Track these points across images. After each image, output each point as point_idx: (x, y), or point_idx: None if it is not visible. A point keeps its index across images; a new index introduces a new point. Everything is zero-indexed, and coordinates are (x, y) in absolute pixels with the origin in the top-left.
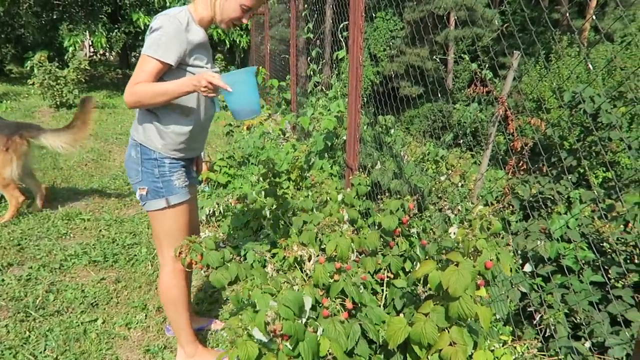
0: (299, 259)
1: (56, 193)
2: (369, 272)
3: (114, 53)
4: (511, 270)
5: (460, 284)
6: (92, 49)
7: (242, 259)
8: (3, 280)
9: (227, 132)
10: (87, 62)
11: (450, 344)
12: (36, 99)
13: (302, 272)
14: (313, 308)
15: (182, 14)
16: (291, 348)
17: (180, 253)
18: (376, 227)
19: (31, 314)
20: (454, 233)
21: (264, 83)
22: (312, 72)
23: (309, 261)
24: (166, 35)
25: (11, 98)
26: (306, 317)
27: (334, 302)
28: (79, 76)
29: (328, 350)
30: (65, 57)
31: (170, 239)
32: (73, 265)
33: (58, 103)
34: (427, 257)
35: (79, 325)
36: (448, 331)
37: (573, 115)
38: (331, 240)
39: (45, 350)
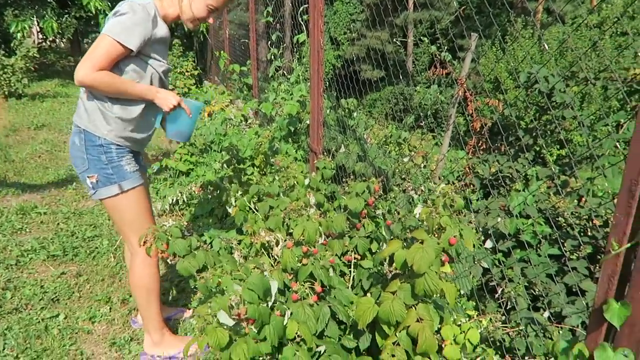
0: (266, 245)
1: (8, 187)
2: (336, 254)
3: (64, 40)
4: (474, 246)
5: (425, 261)
6: (40, 36)
7: (208, 247)
8: None
9: None
10: (36, 50)
11: (418, 321)
12: None
13: (270, 258)
14: (282, 292)
15: (150, 5)
16: (257, 331)
17: (144, 242)
18: (342, 210)
19: None
20: (419, 213)
21: (224, 68)
22: (272, 57)
23: (277, 246)
24: (132, 20)
25: None
26: (272, 300)
27: (303, 285)
28: (27, 64)
29: (296, 333)
30: (12, 45)
31: (134, 226)
32: (30, 261)
33: (6, 93)
34: (392, 237)
35: (39, 321)
36: (415, 308)
37: (529, 95)
38: (298, 224)
39: (4, 349)
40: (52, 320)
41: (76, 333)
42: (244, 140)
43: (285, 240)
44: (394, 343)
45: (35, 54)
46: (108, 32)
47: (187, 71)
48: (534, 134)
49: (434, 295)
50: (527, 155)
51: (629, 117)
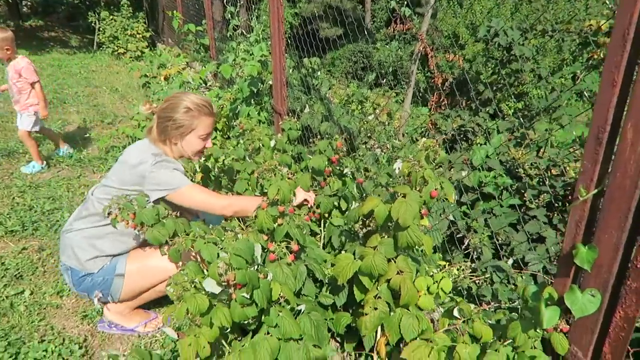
0: None
1: None
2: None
3: (1, 3)
4: (445, 200)
5: (410, 214)
6: None
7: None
8: None
9: (144, 84)
10: None
11: (398, 273)
12: None
13: (240, 222)
14: None
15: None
16: (248, 296)
17: (109, 214)
18: (309, 170)
19: None
20: (399, 168)
21: (179, 29)
22: (230, 15)
23: None
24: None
25: None
26: (257, 264)
27: (279, 246)
28: None
29: (280, 294)
30: None
31: (149, 274)
32: None
33: None
34: (364, 195)
35: (3, 299)
36: (395, 261)
37: (488, 49)
38: (272, 184)
39: None
40: (17, 297)
41: (44, 308)
42: None
43: None
44: (374, 297)
45: None
46: (177, 185)
47: (138, 33)
48: (494, 88)
49: (415, 248)
50: (487, 110)
51: (584, 68)
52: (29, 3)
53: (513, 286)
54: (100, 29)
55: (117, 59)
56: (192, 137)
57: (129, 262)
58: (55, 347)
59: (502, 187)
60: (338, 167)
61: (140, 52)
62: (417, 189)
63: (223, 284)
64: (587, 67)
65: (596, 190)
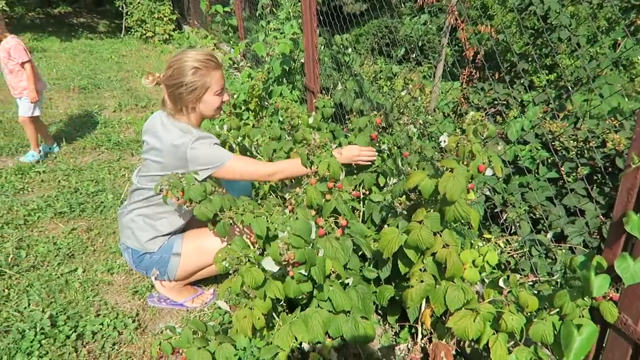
0: (274, 187)
1: (1, 148)
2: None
3: None
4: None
5: (457, 188)
6: None
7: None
8: None
9: None
10: (4, 3)
11: (444, 247)
12: None
13: (278, 198)
14: None
15: (193, 129)
16: (305, 274)
17: (160, 191)
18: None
19: (5, 272)
20: (445, 141)
21: (206, 11)
22: None
23: (286, 186)
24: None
25: None
26: (312, 242)
27: (327, 221)
28: None
29: (331, 269)
30: None
31: (205, 254)
32: (39, 219)
33: None
34: (406, 169)
35: (58, 277)
36: (440, 235)
37: (525, 18)
38: (322, 160)
39: (29, 305)
40: (72, 275)
41: (97, 285)
42: (236, 84)
43: (292, 181)
44: (420, 270)
45: (4, 7)
46: (225, 160)
47: (165, 16)
48: (529, 59)
49: (462, 222)
50: (523, 81)
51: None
52: None
53: (552, 260)
54: (128, 13)
55: (145, 42)
56: (208, 95)
57: (186, 242)
58: (110, 320)
59: (538, 161)
60: (377, 144)
61: (168, 35)
62: (464, 162)
63: (283, 263)
64: (629, 34)
65: None
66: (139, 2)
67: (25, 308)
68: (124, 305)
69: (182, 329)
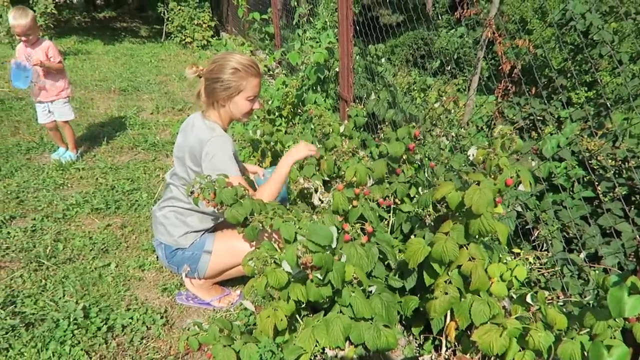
0: (304, 192)
1: (45, 145)
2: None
3: None
4: (530, 185)
5: (483, 202)
6: None
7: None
8: (9, 233)
9: None
10: (53, 6)
11: (470, 260)
12: (4, 49)
13: (308, 205)
14: None
15: (219, 128)
16: (321, 278)
17: (191, 193)
18: (378, 156)
19: (43, 263)
20: (473, 154)
21: (244, 17)
22: (296, 3)
23: (316, 193)
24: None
25: None
26: (333, 247)
27: (353, 227)
28: (46, 22)
29: (353, 275)
30: (32, 1)
31: (235, 254)
32: (76, 214)
33: None
34: (434, 180)
35: (92, 270)
36: (467, 248)
37: (565, 34)
38: (350, 166)
39: (64, 295)
40: (105, 269)
41: (129, 280)
42: (271, 91)
43: (322, 187)
44: (445, 282)
45: (53, 10)
46: (232, 173)
47: (204, 23)
48: (568, 75)
49: (488, 235)
50: (560, 97)
51: None
52: None
53: (584, 281)
54: (169, 19)
55: (184, 48)
56: (240, 98)
57: (217, 241)
58: (140, 315)
59: (573, 179)
60: (412, 155)
61: (206, 41)
62: (492, 176)
63: (301, 266)
64: None
65: None
66: (180, 9)
67: (60, 298)
68: (153, 301)
69: (209, 326)
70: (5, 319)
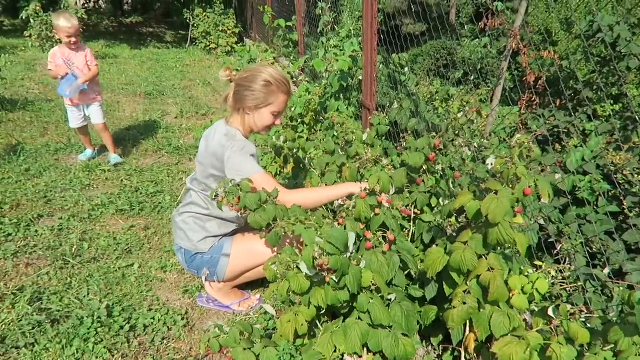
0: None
1: (72, 146)
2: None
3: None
4: (549, 196)
5: (500, 211)
6: None
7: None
8: (37, 231)
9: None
10: (84, 11)
11: (489, 270)
12: (35, 52)
13: (328, 211)
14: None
15: (239, 135)
16: (337, 281)
17: (215, 196)
18: (399, 165)
19: (69, 261)
20: (491, 164)
21: (269, 25)
22: (320, 11)
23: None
24: (247, 151)
25: (8, 52)
26: (350, 252)
27: (375, 235)
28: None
29: (372, 282)
30: (62, 6)
31: (253, 256)
32: (101, 215)
33: None
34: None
35: (116, 270)
36: (486, 258)
37: (591, 46)
38: (373, 174)
39: (88, 294)
40: (128, 269)
41: (151, 281)
42: (294, 98)
43: None
44: (464, 292)
45: (83, 15)
46: (249, 173)
47: (229, 29)
48: (594, 87)
49: (506, 246)
50: (586, 110)
51: None
52: (130, 1)
53: (608, 297)
54: (194, 25)
55: (208, 53)
56: (266, 111)
57: (235, 244)
58: (161, 316)
59: (598, 193)
60: (433, 165)
61: (231, 47)
62: (510, 185)
63: (317, 268)
64: None
65: None
66: (205, 15)
67: (84, 297)
68: (175, 302)
69: (230, 328)
70: (32, 315)
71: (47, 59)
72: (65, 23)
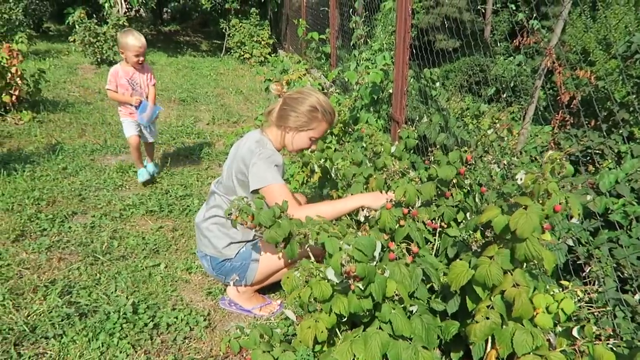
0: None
1: (107, 147)
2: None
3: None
4: (570, 218)
5: (528, 226)
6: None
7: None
8: (70, 227)
9: (266, 88)
10: (125, 19)
11: (514, 286)
12: (77, 56)
13: (352, 221)
14: None
15: (270, 145)
16: (362, 289)
17: (230, 214)
18: (427, 179)
19: (99, 258)
20: (521, 179)
21: (302, 37)
22: (354, 25)
23: (362, 210)
24: (272, 161)
25: (53, 55)
26: (376, 260)
27: (399, 246)
28: (118, 33)
29: (395, 292)
30: (105, 14)
31: (281, 258)
32: (132, 215)
33: (99, 60)
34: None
35: (143, 269)
36: (511, 274)
37: (629, 66)
38: (400, 186)
39: (116, 290)
40: (155, 269)
41: (176, 281)
42: None
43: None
44: (487, 307)
45: (124, 22)
46: (269, 182)
47: (263, 40)
48: (631, 109)
49: (534, 262)
50: (621, 131)
51: None
52: (169, 10)
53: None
54: (229, 35)
55: (242, 63)
56: (305, 135)
57: (263, 249)
58: (184, 316)
59: (632, 217)
60: (462, 179)
61: (264, 58)
62: (539, 201)
63: (343, 275)
64: None
65: None
66: (241, 25)
67: (112, 293)
68: (198, 303)
69: (251, 331)
70: (62, 307)
71: (87, 63)
72: (134, 42)
